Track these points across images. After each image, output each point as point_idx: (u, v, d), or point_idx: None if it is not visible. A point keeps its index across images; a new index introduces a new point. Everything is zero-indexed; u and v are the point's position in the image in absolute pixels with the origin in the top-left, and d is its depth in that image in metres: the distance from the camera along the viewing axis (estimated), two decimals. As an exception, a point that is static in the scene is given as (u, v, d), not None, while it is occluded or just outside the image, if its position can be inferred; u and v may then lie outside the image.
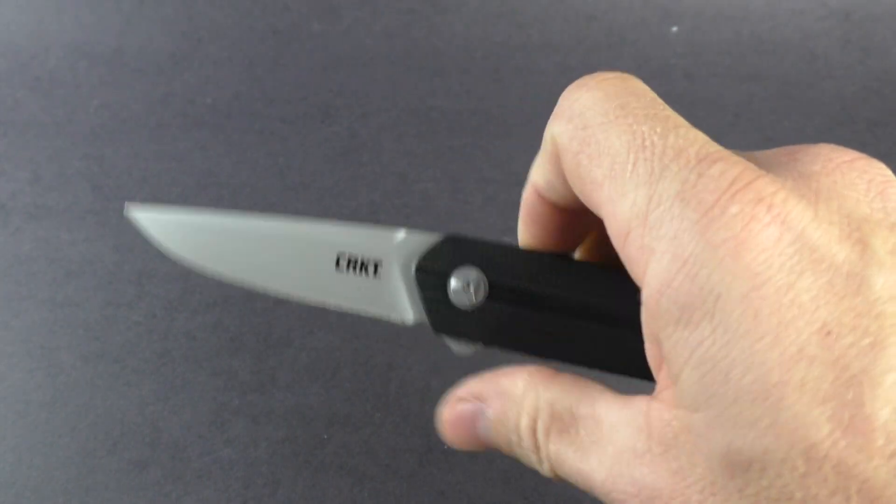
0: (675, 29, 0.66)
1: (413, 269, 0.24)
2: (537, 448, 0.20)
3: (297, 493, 0.42)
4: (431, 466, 0.43)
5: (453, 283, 0.23)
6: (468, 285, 0.23)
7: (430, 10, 0.67)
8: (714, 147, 0.16)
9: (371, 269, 0.24)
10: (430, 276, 0.23)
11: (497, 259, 0.23)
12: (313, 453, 0.44)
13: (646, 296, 0.17)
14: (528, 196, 0.23)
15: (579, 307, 0.22)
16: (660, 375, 0.18)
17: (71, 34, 0.67)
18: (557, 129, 0.19)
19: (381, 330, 0.49)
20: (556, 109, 0.19)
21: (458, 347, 0.24)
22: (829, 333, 0.14)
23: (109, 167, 0.59)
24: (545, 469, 0.20)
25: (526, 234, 0.23)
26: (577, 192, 0.19)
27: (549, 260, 0.23)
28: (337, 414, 0.45)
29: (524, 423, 0.20)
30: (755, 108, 0.62)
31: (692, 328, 0.15)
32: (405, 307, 0.24)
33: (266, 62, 0.66)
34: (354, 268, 0.24)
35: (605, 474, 0.18)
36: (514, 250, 0.24)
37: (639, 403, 0.18)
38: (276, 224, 0.25)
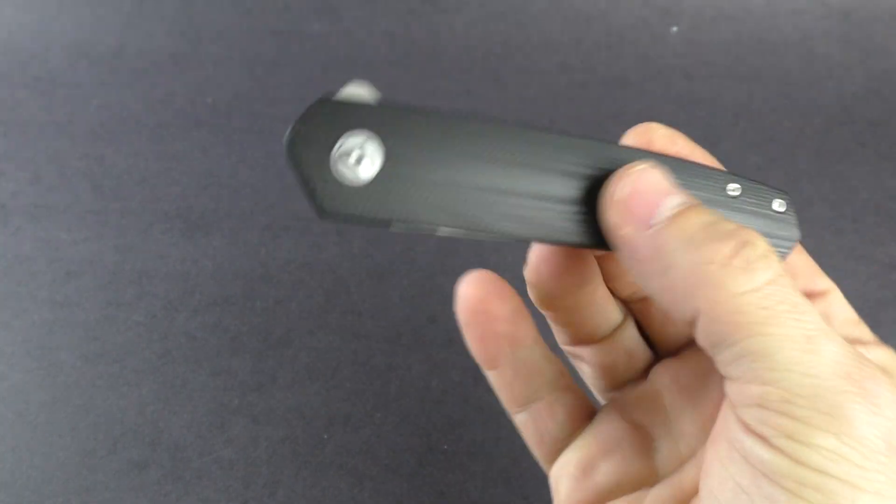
0: (675, 29, 0.66)
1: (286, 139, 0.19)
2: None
3: (297, 493, 0.42)
4: (431, 466, 0.43)
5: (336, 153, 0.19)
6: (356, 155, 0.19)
7: (430, 10, 0.67)
8: None
9: None
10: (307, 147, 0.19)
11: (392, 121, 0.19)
12: (313, 453, 0.44)
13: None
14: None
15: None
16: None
17: (71, 34, 0.67)
18: None
19: (381, 330, 0.49)
20: None
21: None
22: None
23: (109, 167, 0.58)
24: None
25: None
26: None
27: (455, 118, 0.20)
28: (337, 414, 0.45)
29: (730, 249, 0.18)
30: (755, 108, 0.62)
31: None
32: None
33: (266, 62, 0.66)
34: None
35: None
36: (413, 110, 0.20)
37: None
38: None
